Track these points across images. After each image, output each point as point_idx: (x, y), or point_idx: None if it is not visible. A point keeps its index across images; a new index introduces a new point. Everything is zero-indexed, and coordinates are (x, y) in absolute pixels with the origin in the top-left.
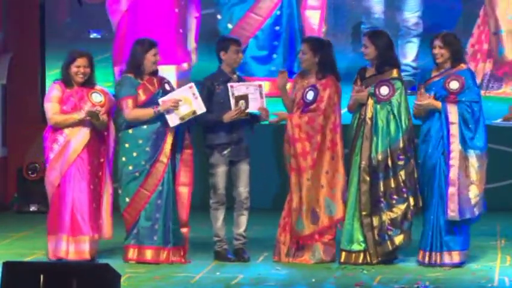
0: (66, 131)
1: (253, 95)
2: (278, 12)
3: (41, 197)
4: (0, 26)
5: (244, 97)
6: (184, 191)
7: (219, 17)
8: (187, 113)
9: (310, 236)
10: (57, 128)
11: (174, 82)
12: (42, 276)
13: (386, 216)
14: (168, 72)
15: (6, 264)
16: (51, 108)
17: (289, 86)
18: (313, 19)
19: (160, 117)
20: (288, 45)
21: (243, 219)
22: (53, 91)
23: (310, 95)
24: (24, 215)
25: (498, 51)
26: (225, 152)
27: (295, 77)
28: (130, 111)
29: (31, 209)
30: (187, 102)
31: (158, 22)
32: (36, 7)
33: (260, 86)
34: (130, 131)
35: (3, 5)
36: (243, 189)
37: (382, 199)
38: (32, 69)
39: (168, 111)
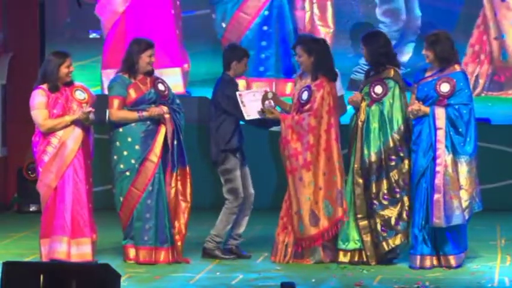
0: (60, 132)
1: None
2: (266, 13)
3: None
4: (0, 26)
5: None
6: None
7: (213, 16)
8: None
9: (312, 238)
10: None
11: (181, 84)
12: (42, 276)
13: (380, 218)
14: (175, 75)
15: (6, 264)
16: (40, 115)
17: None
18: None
19: (150, 118)
20: (280, 46)
21: (246, 221)
22: (38, 97)
23: (304, 95)
24: (24, 215)
25: (502, 56)
26: (238, 154)
27: (296, 77)
28: (115, 111)
29: (31, 209)
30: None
31: (158, 24)
32: (36, 7)
33: (266, 91)
34: (120, 129)
35: (3, 5)
36: (252, 190)
37: (374, 201)
38: (32, 69)
39: (244, 104)
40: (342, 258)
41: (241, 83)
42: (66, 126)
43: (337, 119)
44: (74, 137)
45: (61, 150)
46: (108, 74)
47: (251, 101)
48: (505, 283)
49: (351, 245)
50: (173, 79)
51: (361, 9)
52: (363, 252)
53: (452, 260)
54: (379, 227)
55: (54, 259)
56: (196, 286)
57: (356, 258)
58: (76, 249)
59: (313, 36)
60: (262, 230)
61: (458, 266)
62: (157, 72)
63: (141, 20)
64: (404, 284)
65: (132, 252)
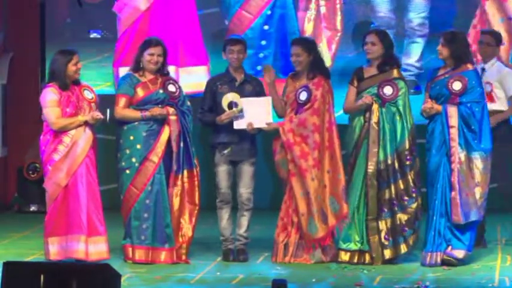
0: (72, 131)
1: (259, 110)
2: (269, 12)
3: (41, 197)
4: (1, 26)
5: (235, 103)
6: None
7: (220, 14)
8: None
9: (325, 237)
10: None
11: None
12: (42, 277)
13: (402, 217)
14: (200, 73)
15: (6, 264)
16: (53, 113)
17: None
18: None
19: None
20: (280, 46)
21: (244, 220)
22: (50, 95)
23: (303, 96)
24: (24, 215)
25: None
26: (225, 151)
27: (287, 79)
28: (120, 109)
29: (31, 209)
30: (260, 113)
31: (183, 23)
32: (36, 7)
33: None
34: (125, 127)
35: (3, 5)
36: (243, 190)
37: (395, 201)
38: (32, 69)
39: (236, 117)
40: (341, 258)
41: None
42: (78, 125)
43: (334, 117)
44: (85, 137)
45: (73, 149)
46: (125, 72)
47: (246, 112)
48: (505, 283)
49: (352, 246)
50: (199, 77)
51: (361, 8)
52: (364, 254)
53: (460, 253)
54: (399, 228)
55: (77, 259)
56: (196, 286)
57: (355, 260)
58: (93, 248)
59: (307, 36)
60: (261, 231)
61: (463, 261)
62: (184, 71)
63: (165, 18)
64: (405, 284)
65: (129, 251)
